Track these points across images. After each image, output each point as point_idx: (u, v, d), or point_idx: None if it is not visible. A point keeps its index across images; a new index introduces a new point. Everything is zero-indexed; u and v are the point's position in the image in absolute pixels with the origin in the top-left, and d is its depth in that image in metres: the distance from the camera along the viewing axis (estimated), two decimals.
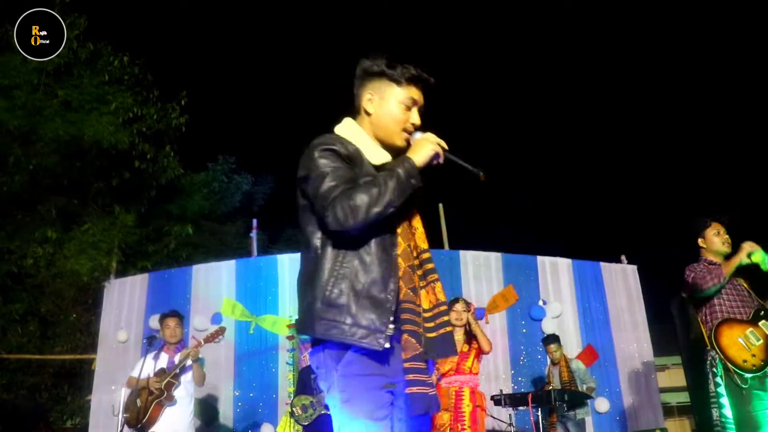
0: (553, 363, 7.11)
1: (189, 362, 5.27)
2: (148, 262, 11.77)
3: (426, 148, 2.25)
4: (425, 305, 2.30)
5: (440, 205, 9.98)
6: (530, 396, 6.53)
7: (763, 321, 4.11)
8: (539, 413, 6.71)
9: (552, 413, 6.84)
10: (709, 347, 4.16)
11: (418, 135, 2.33)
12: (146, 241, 12.21)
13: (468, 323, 5.41)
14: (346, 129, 2.34)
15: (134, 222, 11.08)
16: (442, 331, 2.28)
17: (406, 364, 2.15)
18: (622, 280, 9.62)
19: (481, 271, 9.29)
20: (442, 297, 2.35)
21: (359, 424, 2.07)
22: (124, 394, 4.99)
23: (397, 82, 2.32)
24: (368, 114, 2.35)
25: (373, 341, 2.08)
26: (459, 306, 5.44)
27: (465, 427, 5.17)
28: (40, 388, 10.85)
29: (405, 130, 2.34)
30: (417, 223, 2.40)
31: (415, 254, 2.35)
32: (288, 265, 9.16)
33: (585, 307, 9.32)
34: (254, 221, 10.33)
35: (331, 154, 2.19)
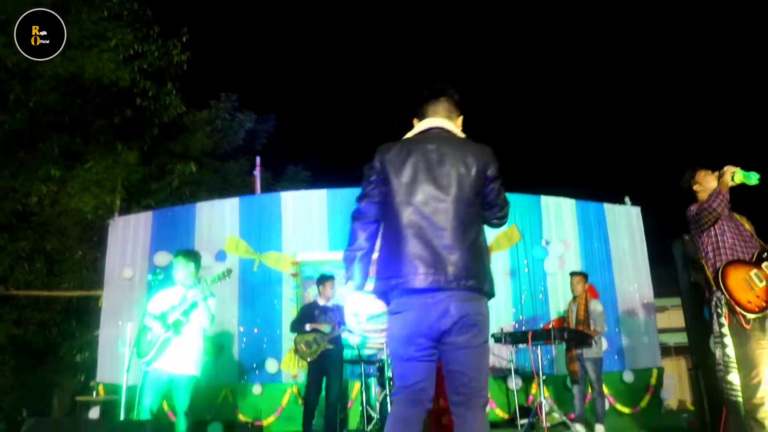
0: (574, 298, 7.19)
1: (191, 302, 5.31)
2: (152, 200, 11.80)
3: None
4: None
5: None
6: (530, 334, 6.64)
7: (767, 263, 4.12)
8: (539, 351, 6.83)
9: (572, 349, 6.93)
10: (714, 288, 4.18)
11: None
12: (149, 179, 12.21)
13: None
14: None
15: (137, 160, 11.05)
16: None
17: None
18: (625, 222, 9.62)
19: None
20: None
21: None
22: (130, 328, 5.02)
23: None
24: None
25: None
26: None
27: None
28: (49, 324, 11.04)
29: None
30: None
31: None
32: (291, 202, 9.18)
33: (587, 247, 9.36)
34: (257, 159, 10.32)
35: None
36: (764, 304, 4.06)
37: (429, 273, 2.62)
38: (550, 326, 6.84)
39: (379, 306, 2.90)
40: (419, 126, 2.94)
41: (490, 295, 2.74)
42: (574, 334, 6.61)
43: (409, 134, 2.96)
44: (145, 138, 12.29)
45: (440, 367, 3.23)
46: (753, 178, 4.13)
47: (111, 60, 10.31)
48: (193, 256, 5.61)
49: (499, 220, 2.91)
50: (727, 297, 4.08)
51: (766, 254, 4.16)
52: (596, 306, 7.08)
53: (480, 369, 2.73)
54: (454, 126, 2.93)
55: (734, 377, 4.05)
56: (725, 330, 4.11)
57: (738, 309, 4.06)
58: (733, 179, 4.16)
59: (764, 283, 4.09)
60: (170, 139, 13.37)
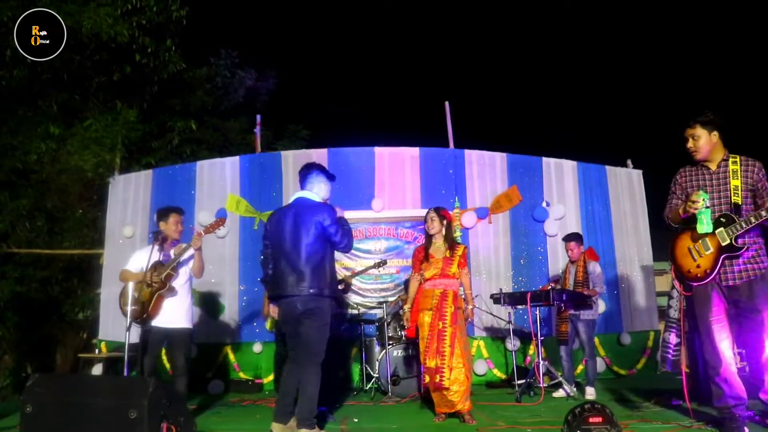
0: (571, 261, 7.18)
1: (189, 254, 5.32)
2: (152, 158, 11.79)
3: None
4: None
5: (446, 104, 9.86)
6: (529, 295, 6.69)
7: (721, 229, 4.02)
8: (537, 312, 6.89)
9: (564, 310, 6.97)
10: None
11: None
12: (149, 137, 12.18)
13: (445, 236, 5.73)
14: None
15: (137, 117, 11.01)
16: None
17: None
18: (626, 185, 9.63)
19: (486, 171, 9.30)
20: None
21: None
22: (131, 287, 5.02)
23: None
24: None
25: None
26: (428, 216, 5.76)
27: (446, 325, 5.40)
28: (51, 282, 11.11)
29: None
30: None
31: None
32: (292, 161, 9.18)
33: (588, 209, 9.38)
34: (258, 117, 10.26)
35: None
36: (705, 273, 4.05)
37: (294, 286, 4.53)
38: (549, 287, 6.88)
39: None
40: (293, 196, 4.88)
41: (329, 295, 4.61)
42: (572, 296, 6.66)
43: (288, 201, 4.92)
44: (144, 95, 12.22)
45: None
46: (704, 225, 4.05)
47: (108, 15, 10.18)
48: (182, 211, 5.63)
49: (344, 248, 4.75)
50: (671, 265, 4.18)
51: (724, 219, 4.05)
52: (595, 267, 7.08)
53: (317, 340, 4.54)
54: (313, 193, 4.80)
55: (670, 336, 4.19)
56: (673, 293, 4.23)
57: (675, 277, 4.16)
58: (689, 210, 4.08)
59: (711, 251, 4.04)
60: (170, 97, 13.30)
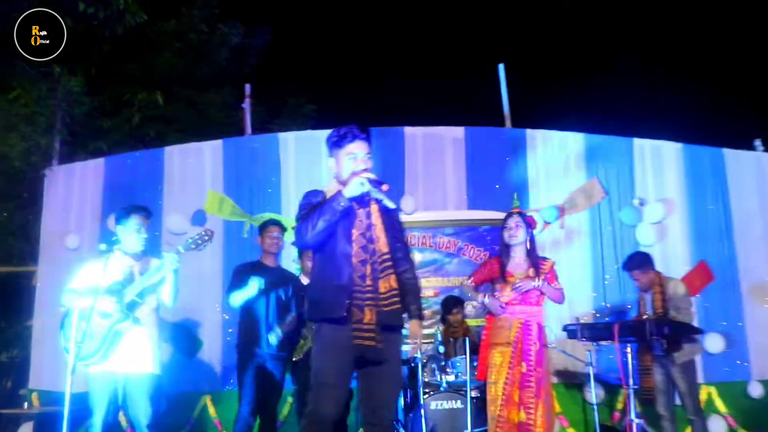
0: (644, 290, 7.12)
1: (159, 276, 5.28)
2: (104, 143, 11.84)
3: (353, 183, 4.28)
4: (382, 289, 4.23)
5: (500, 66, 9.77)
6: (617, 327, 6.59)
7: None
8: (629, 350, 6.78)
9: (645, 353, 6.86)
10: None
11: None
12: (100, 114, 12.24)
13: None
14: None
15: (82, 87, 11.05)
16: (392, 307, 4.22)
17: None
18: (754, 174, 9.45)
19: (555, 158, 9.22)
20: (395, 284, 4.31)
21: None
22: (75, 315, 5.00)
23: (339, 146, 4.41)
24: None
25: None
26: (511, 222, 5.87)
27: (532, 368, 5.39)
28: None
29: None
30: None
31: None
32: (294, 146, 9.19)
33: (698, 209, 9.23)
34: (247, 87, 10.26)
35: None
36: None
37: None
38: (645, 317, 6.78)
39: None
40: None
41: (311, 318, 4.36)
42: (678, 328, 6.54)
43: None
44: (92, 58, 12.29)
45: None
46: None
47: None
48: (148, 213, 5.59)
49: (301, 244, 4.87)
50: None
51: None
52: (677, 287, 7.02)
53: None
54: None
55: None
56: None
57: None
58: None
59: None
60: (127, 60, 13.37)
